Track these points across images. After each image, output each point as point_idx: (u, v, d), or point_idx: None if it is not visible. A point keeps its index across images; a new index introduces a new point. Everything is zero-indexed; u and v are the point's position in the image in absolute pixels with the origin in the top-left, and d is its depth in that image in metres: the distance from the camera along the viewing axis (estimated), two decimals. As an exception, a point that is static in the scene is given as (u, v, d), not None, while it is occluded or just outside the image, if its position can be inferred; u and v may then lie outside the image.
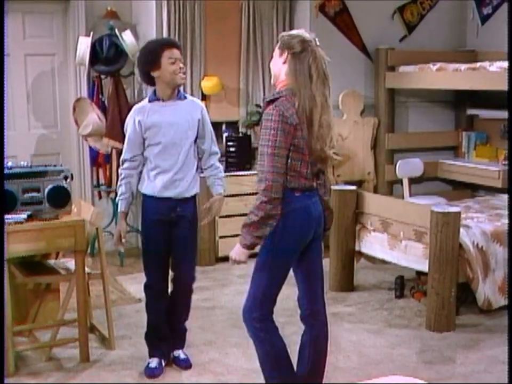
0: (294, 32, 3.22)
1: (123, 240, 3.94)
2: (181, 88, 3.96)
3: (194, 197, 3.95)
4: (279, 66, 3.15)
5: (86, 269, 4.24)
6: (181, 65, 3.80)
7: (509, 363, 3.21)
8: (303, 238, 3.20)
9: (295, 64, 3.08)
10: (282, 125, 3.01)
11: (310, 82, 3.07)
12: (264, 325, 3.28)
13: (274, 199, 3.03)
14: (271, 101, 3.10)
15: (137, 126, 3.85)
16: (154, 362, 4.02)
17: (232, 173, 6.14)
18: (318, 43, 3.14)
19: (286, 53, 3.11)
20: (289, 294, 5.26)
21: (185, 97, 3.92)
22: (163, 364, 4.06)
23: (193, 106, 3.93)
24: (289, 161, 3.06)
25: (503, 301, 4.82)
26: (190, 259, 3.98)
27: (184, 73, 3.88)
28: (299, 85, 3.06)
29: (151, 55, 3.78)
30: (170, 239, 3.90)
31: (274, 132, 3.01)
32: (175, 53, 3.79)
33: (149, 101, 3.87)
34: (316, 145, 3.09)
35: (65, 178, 4.15)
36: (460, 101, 7.19)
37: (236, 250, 3.18)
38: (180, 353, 4.12)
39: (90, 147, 6.22)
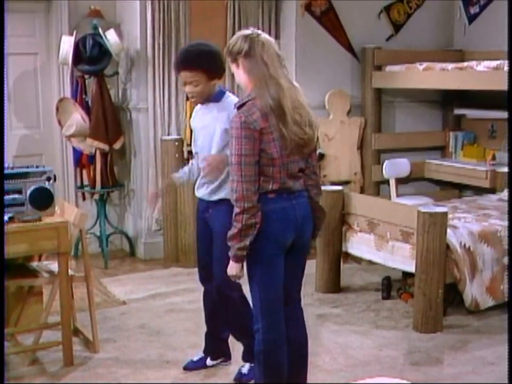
0: (233, 39, 3.12)
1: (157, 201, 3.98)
2: (222, 86, 3.75)
3: (225, 201, 3.60)
4: (242, 77, 3.07)
5: (70, 271, 4.18)
6: (187, 88, 3.58)
7: (509, 363, 3.17)
8: (280, 240, 3.11)
9: (250, 64, 3.00)
10: (245, 131, 2.92)
11: (267, 71, 2.97)
12: (268, 337, 3.17)
13: (249, 208, 2.96)
14: (240, 106, 3.02)
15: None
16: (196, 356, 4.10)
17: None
18: (259, 32, 3.06)
19: (240, 60, 3.03)
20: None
21: (219, 99, 3.63)
22: (206, 361, 4.07)
23: (222, 111, 3.60)
24: (260, 166, 2.99)
25: (491, 302, 4.80)
26: (216, 260, 3.75)
27: (193, 97, 3.64)
28: (258, 81, 2.98)
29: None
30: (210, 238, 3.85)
31: (238, 140, 2.94)
32: (183, 75, 3.56)
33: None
34: (293, 129, 2.99)
35: (48, 179, 4.08)
36: (447, 101, 7.18)
37: (229, 266, 3.12)
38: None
39: (74, 148, 6.16)
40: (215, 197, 3.71)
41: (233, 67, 3.11)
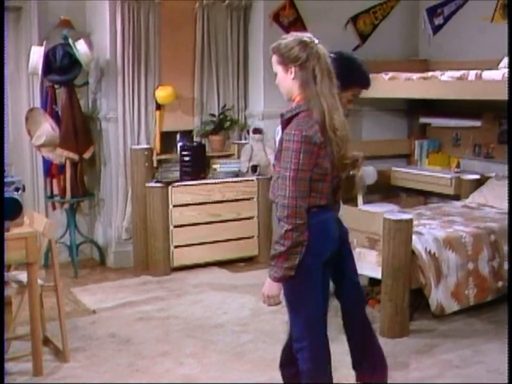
0: (288, 40, 2.97)
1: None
2: None
3: None
4: (289, 83, 2.97)
5: (39, 281, 4.18)
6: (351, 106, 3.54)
7: (509, 363, 3.23)
8: (322, 254, 3.03)
9: (304, 75, 2.90)
10: (305, 146, 2.81)
11: (318, 86, 2.89)
12: (314, 355, 3.10)
13: (300, 225, 2.84)
14: (291, 118, 2.93)
15: None
16: None
17: (187, 182, 6.15)
18: (315, 40, 2.95)
19: (292, 68, 2.92)
20: (244, 302, 5.34)
21: None
22: None
23: None
24: (310, 182, 2.89)
25: (456, 306, 4.89)
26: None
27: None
28: (311, 94, 2.89)
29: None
30: None
31: (296, 154, 2.82)
32: (358, 93, 3.56)
33: None
34: (336, 152, 2.93)
35: (17, 189, 4.08)
36: (413, 110, 7.29)
37: (268, 287, 2.98)
38: None
39: (43, 157, 6.16)
40: None
41: (279, 68, 2.99)
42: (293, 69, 2.93)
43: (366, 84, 3.51)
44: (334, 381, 3.49)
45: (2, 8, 4.20)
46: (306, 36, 2.98)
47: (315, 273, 3.03)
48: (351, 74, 3.41)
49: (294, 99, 3.00)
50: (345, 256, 3.34)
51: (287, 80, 2.98)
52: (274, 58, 3.01)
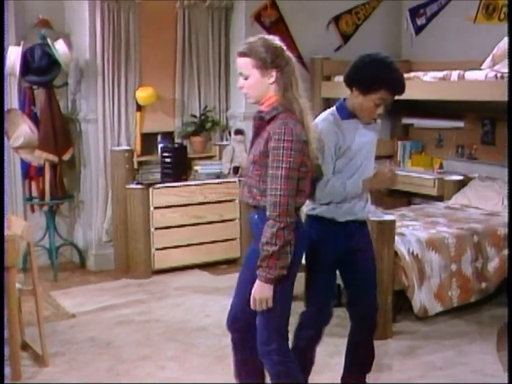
0: (263, 43, 2.95)
1: None
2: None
3: None
4: (265, 86, 2.94)
5: (17, 284, 4.12)
6: (381, 110, 3.35)
7: (509, 363, 3.23)
8: (301, 257, 3.07)
9: (284, 80, 2.91)
10: (296, 144, 2.82)
11: (295, 90, 2.93)
12: (285, 358, 3.08)
13: (291, 224, 2.84)
14: (269, 120, 2.93)
15: None
16: None
17: (168, 184, 6.09)
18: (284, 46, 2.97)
19: (273, 72, 2.91)
20: (226, 305, 5.27)
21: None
22: None
23: (376, 126, 3.54)
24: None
25: (439, 308, 4.89)
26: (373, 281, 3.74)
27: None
28: (291, 98, 2.91)
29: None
30: None
31: (288, 152, 2.81)
32: (391, 99, 3.33)
33: None
34: (311, 152, 2.96)
35: (-6, 192, 4.04)
36: (395, 111, 7.26)
37: (259, 289, 2.92)
38: None
39: (21, 159, 6.08)
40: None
41: (254, 71, 2.94)
42: (274, 74, 2.92)
43: (393, 87, 3.31)
44: (317, 381, 3.49)
45: (2, 8, 4.14)
46: (276, 39, 2.98)
47: (294, 276, 3.05)
48: (376, 76, 3.28)
49: (263, 102, 2.99)
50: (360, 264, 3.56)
51: (263, 84, 2.95)
52: (249, 61, 2.95)
